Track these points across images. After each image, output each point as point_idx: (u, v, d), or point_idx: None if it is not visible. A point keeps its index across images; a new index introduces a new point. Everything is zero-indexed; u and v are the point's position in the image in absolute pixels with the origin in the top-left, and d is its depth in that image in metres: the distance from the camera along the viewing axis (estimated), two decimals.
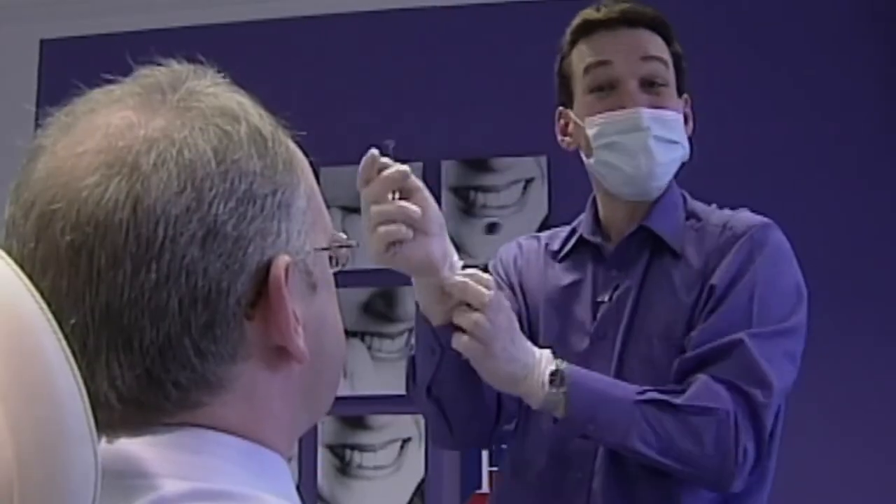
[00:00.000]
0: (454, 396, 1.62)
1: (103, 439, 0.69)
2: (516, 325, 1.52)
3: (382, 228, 1.39)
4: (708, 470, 1.52)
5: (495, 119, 3.47)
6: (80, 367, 0.59)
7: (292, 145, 0.77)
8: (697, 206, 1.75)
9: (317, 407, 0.81)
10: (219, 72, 0.77)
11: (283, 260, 0.72)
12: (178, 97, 0.73)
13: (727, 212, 1.72)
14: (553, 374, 1.50)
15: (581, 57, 1.70)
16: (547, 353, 1.53)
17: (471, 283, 1.46)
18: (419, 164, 3.49)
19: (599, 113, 1.67)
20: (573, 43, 1.72)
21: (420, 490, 3.35)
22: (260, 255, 0.71)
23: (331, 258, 0.79)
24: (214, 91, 0.75)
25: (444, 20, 3.58)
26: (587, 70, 1.69)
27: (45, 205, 0.70)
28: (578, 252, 1.74)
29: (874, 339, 3.17)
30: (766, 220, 1.68)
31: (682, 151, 1.70)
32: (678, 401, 1.52)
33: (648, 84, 1.66)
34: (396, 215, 1.39)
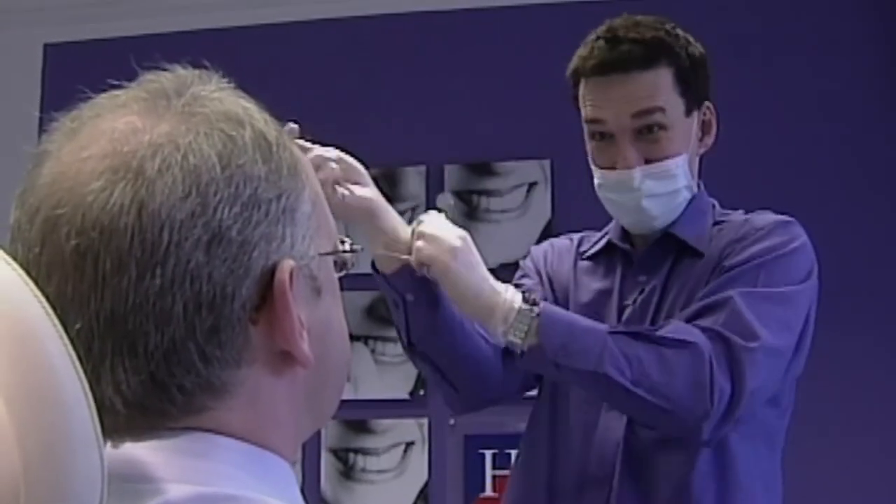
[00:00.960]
0: (438, 346, 1.64)
1: (109, 444, 0.69)
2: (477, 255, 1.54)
3: (321, 174, 1.45)
4: (680, 405, 1.49)
5: (498, 123, 3.47)
6: (85, 372, 0.59)
7: (297, 150, 0.77)
8: (724, 212, 1.76)
9: (321, 412, 0.81)
10: (224, 77, 0.77)
11: (288, 264, 0.72)
12: (183, 102, 0.73)
13: (750, 214, 1.74)
14: (524, 297, 1.51)
15: (582, 101, 1.71)
16: (512, 286, 1.55)
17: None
18: (422, 168, 3.50)
19: (599, 166, 1.70)
20: (575, 81, 1.73)
21: (424, 494, 3.35)
22: (265, 259, 0.71)
23: (335, 263, 0.80)
24: (219, 96, 0.75)
25: (447, 24, 3.58)
26: (586, 121, 1.71)
27: (50, 210, 0.70)
28: (609, 255, 1.77)
29: (874, 339, 3.17)
30: (788, 217, 1.69)
31: (685, 195, 1.71)
32: (652, 333, 1.53)
33: (647, 130, 1.66)
34: (322, 162, 1.48)
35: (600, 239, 1.80)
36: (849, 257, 3.17)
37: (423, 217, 1.56)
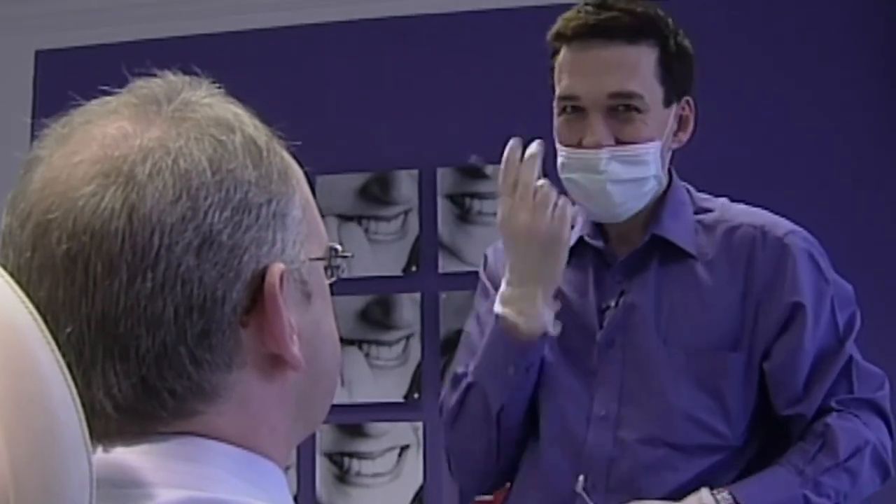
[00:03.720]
0: (517, 425, 1.66)
1: (99, 448, 0.69)
2: None
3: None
4: (874, 487, 1.64)
5: (490, 126, 3.47)
6: (76, 377, 0.59)
7: (287, 156, 0.78)
8: (703, 198, 1.72)
9: (313, 416, 0.81)
10: (214, 82, 0.77)
11: (278, 268, 0.72)
12: (174, 108, 0.73)
13: (742, 207, 1.71)
14: None
15: (558, 72, 1.64)
16: (703, 493, 1.55)
17: None
18: (415, 172, 3.50)
19: (566, 143, 1.63)
20: (555, 48, 1.66)
21: (419, 497, 3.35)
22: (255, 263, 0.71)
23: (326, 269, 0.80)
24: (209, 102, 0.75)
25: (439, 28, 3.58)
26: (559, 97, 1.64)
27: (41, 214, 0.70)
28: (579, 253, 1.69)
29: (871, 339, 3.16)
30: (797, 226, 1.69)
31: (652, 184, 1.63)
32: (834, 461, 1.58)
33: (624, 108, 1.59)
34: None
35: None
36: (845, 257, 3.18)
37: None
